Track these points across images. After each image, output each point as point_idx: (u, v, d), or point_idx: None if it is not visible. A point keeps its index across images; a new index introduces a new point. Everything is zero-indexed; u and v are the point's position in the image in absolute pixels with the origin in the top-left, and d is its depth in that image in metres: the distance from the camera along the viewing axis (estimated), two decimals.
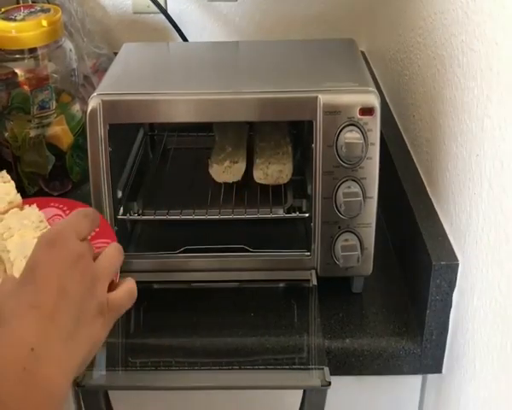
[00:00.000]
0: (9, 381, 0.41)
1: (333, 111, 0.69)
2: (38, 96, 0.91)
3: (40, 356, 0.42)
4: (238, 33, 1.21)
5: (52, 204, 0.72)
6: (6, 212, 0.70)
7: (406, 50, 0.89)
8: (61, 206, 0.72)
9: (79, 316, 0.46)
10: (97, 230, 0.59)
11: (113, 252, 0.52)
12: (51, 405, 0.42)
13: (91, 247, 0.51)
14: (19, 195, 0.72)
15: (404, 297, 0.77)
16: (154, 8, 1.12)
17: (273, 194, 0.81)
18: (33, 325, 0.43)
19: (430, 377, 0.75)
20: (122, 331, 0.74)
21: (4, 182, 0.74)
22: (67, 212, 0.70)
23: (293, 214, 0.78)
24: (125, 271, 0.75)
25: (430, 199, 0.76)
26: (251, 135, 0.88)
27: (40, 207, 0.71)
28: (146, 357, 0.70)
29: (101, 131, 0.70)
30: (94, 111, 0.69)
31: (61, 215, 0.71)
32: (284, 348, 0.70)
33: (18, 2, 1.01)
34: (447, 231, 0.71)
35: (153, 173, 0.90)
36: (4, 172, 0.76)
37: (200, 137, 0.92)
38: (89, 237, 0.52)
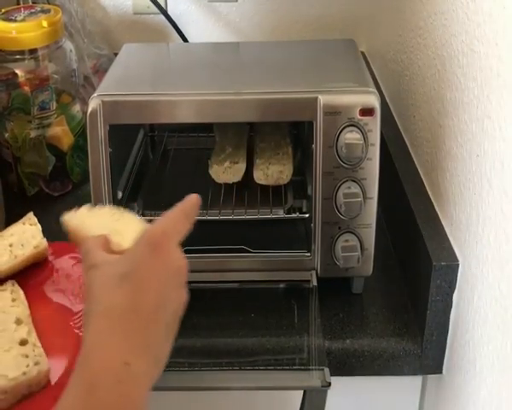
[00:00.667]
0: (104, 391, 0.38)
1: (333, 112, 0.69)
2: (39, 97, 0.92)
3: (134, 373, 0.39)
4: (238, 34, 1.21)
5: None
6: (29, 260, 0.70)
7: (406, 51, 0.89)
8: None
9: (169, 330, 0.43)
10: None
11: None
12: None
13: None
14: (44, 240, 0.72)
15: (404, 298, 0.77)
16: (154, 8, 1.12)
17: (273, 194, 0.81)
18: (130, 336, 0.40)
19: (430, 377, 0.75)
20: None
21: (31, 224, 0.75)
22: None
23: (294, 215, 0.78)
24: None
25: (430, 199, 0.76)
26: (251, 135, 0.88)
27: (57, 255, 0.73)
28: None
29: (102, 132, 0.70)
30: (94, 112, 0.69)
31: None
32: (284, 349, 0.70)
33: (18, 3, 1.02)
34: (447, 232, 0.71)
35: (153, 174, 0.90)
36: (31, 214, 0.76)
37: (201, 138, 0.92)
38: None
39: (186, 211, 0.50)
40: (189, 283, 0.78)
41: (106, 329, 0.41)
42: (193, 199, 0.51)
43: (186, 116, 0.72)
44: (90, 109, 0.70)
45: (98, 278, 0.43)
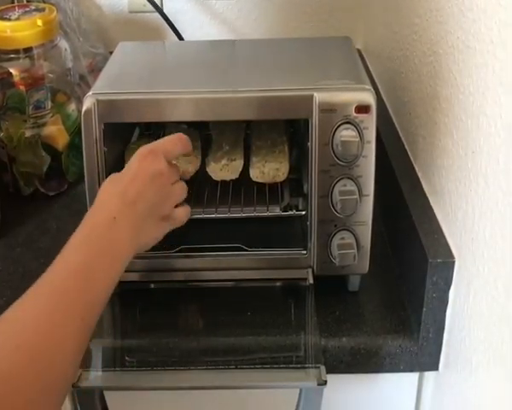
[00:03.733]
0: (101, 228, 0.60)
1: (329, 109, 0.68)
2: (34, 96, 0.91)
3: (118, 223, 0.60)
4: (234, 32, 1.21)
5: None
6: None
7: (402, 48, 0.88)
8: None
9: (148, 214, 0.64)
10: None
11: (183, 185, 0.70)
12: (117, 255, 0.60)
13: (175, 169, 0.68)
14: None
15: (400, 295, 0.77)
16: (149, 7, 1.12)
17: (270, 192, 0.81)
18: (118, 205, 0.62)
19: (427, 374, 0.75)
20: (118, 331, 0.74)
21: None
22: None
23: (290, 212, 0.78)
24: None
25: (426, 196, 0.76)
26: (248, 133, 0.88)
27: None
28: (142, 357, 0.70)
29: (97, 131, 0.70)
30: (89, 111, 0.69)
31: None
32: (281, 347, 0.70)
33: (13, 2, 1.01)
34: (443, 229, 0.71)
35: None
36: None
37: None
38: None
39: (179, 136, 0.69)
40: (186, 282, 0.78)
41: (106, 200, 0.63)
42: (181, 135, 0.69)
43: (182, 114, 0.72)
44: (84, 108, 0.69)
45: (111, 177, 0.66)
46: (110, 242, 0.59)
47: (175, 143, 0.68)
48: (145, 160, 0.64)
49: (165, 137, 0.69)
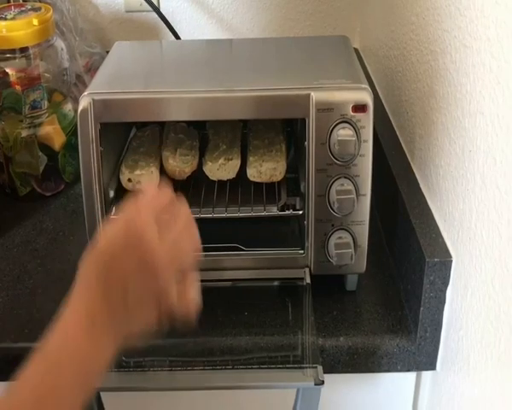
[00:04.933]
0: (75, 339, 0.48)
1: (325, 108, 0.68)
2: (30, 96, 0.91)
3: (97, 327, 0.49)
4: (231, 31, 1.21)
5: None
6: None
7: (399, 47, 0.88)
8: None
9: (136, 305, 0.52)
10: None
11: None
12: (93, 369, 0.49)
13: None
14: None
15: (397, 294, 0.77)
16: (146, 6, 1.11)
17: (267, 192, 0.81)
18: (97, 303, 0.50)
19: (424, 373, 0.75)
20: None
21: None
22: None
23: (287, 212, 0.78)
24: None
25: (424, 196, 0.76)
26: (244, 133, 0.88)
27: None
28: (139, 357, 0.69)
29: (93, 131, 0.69)
30: (85, 110, 0.69)
31: None
32: (278, 347, 0.70)
33: (9, 1, 1.01)
34: (441, 228, 0.71)
35: None
36: None
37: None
38: None
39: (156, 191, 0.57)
40: None
41: (84, 293, 0.51)
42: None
43: (178, 114, 0.72)
44: (80, 108, 0.69)
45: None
46: (87, 354, 0.49)
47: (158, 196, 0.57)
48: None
49: (148, 194, 0.56)
